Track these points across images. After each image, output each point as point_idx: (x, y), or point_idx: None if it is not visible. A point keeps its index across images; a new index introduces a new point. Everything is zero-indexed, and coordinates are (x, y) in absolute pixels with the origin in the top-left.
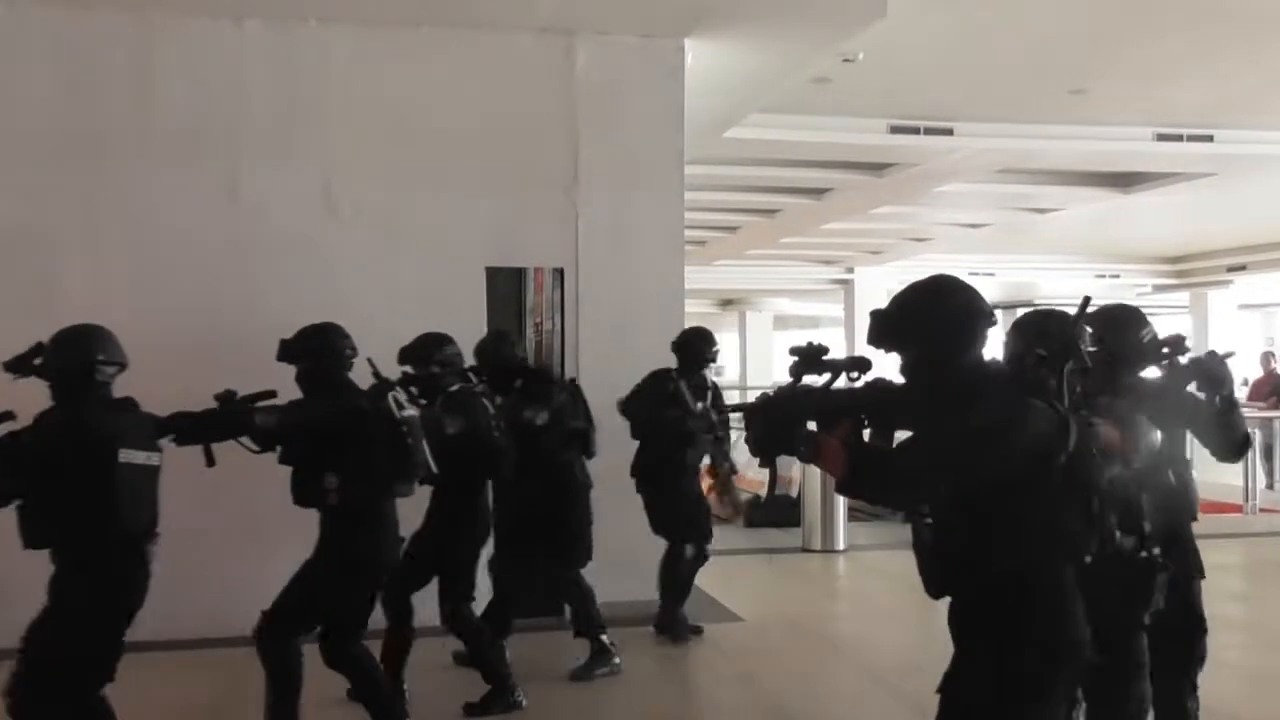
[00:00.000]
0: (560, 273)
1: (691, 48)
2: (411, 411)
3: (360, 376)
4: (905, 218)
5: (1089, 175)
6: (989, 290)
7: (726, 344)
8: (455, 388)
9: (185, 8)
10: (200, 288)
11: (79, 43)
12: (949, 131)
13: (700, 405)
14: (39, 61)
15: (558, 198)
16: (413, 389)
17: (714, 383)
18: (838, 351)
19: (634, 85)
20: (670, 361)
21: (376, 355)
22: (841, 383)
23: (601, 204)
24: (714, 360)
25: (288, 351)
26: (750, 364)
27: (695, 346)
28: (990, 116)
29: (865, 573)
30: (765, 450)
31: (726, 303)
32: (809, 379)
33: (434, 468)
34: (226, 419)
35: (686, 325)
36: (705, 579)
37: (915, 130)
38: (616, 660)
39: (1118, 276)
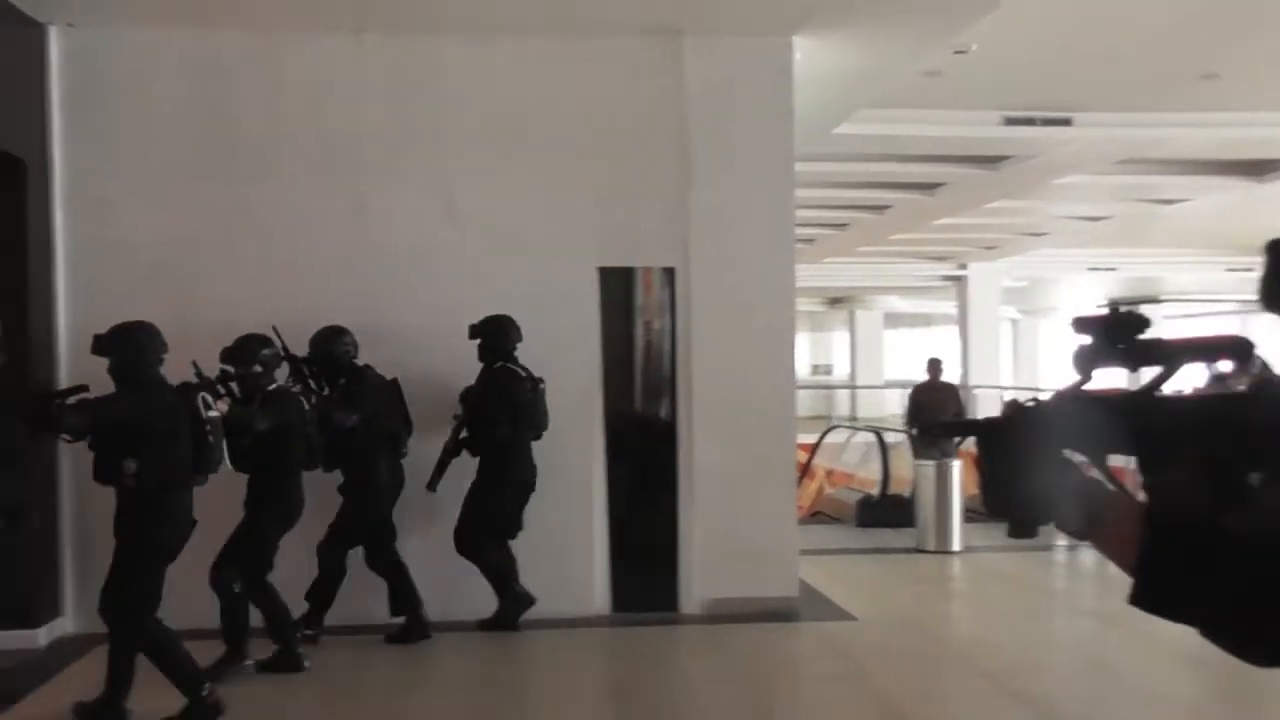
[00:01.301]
0: (670, 272)
1: (800, 45)
2: (215, 413)
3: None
4: (1020, 212)
5: (1219, 164)
6: (1110, 286)
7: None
8: (273, 386)
9: (307, 23)
10: (326, 294)
11: (212, 61)
12: (1067, 122)
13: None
14: (176, 80)
15: (668, 198)
16: (233, 385)
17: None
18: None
19: (743, 84)
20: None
21: None
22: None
23: (712, 203)
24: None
25: (100, 346)
26: (860, 363)
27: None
28: (1112, 105)
29: (981, 574)
30: (1013, 513)
31: (835, 301)
32: (1105, 376)
33: (230, 464)
34: (41, 417)
35: (798, 324)
36: (817, 577)
37: (1031, 121)
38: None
39: (1250, 270)
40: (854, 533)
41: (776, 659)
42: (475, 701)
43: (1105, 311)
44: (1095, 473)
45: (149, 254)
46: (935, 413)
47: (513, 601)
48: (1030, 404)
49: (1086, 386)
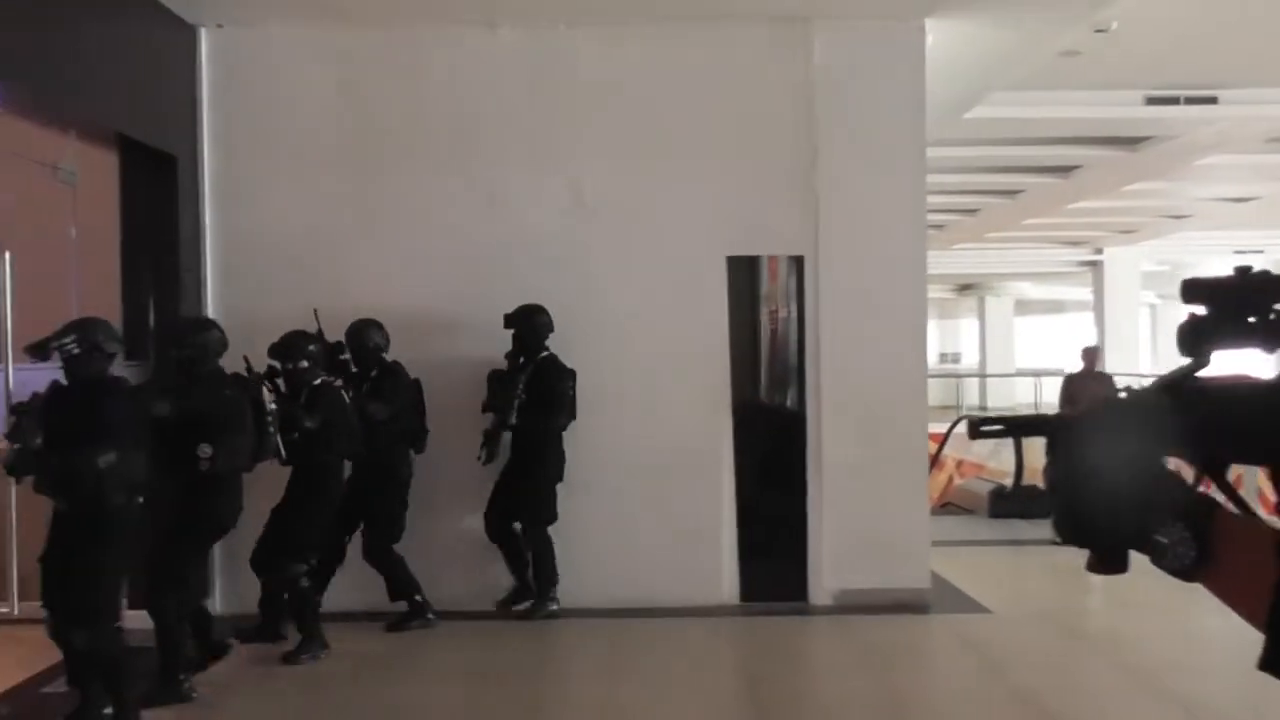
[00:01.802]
0: (798, 260)
1: (932, 27)
2: (273, 405)
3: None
4: (1161, 194)
5: None
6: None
7: (964, 330)
8: (317, 381)
9: (444, 17)
10: (465, 282)
11: (352, 57)
12: (1212, 100)
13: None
14: (318, 77)
15: (797, 185)
16: (279, 381)
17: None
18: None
19: (873, 69)
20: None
21: (624, 343)
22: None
23: (841, 190)
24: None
25: (176, 344)
26: (990, 351)
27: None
28: (1261, 81)
29: None
30: (1093, 540)
31: (964, 288)
32: (1228, 358)
33: (283, 453)
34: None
35: (930, 310)
36: (950, 570)
37: (1174, 100)
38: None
39: None
40: (986, 524)
41: (909, 650)
42: (602, 687)
43: (1231, 274)
44: (1211, 489)
45: (290, 244)
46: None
47: (522, 593)
48: (1120, 395)
49: (1202, 372)
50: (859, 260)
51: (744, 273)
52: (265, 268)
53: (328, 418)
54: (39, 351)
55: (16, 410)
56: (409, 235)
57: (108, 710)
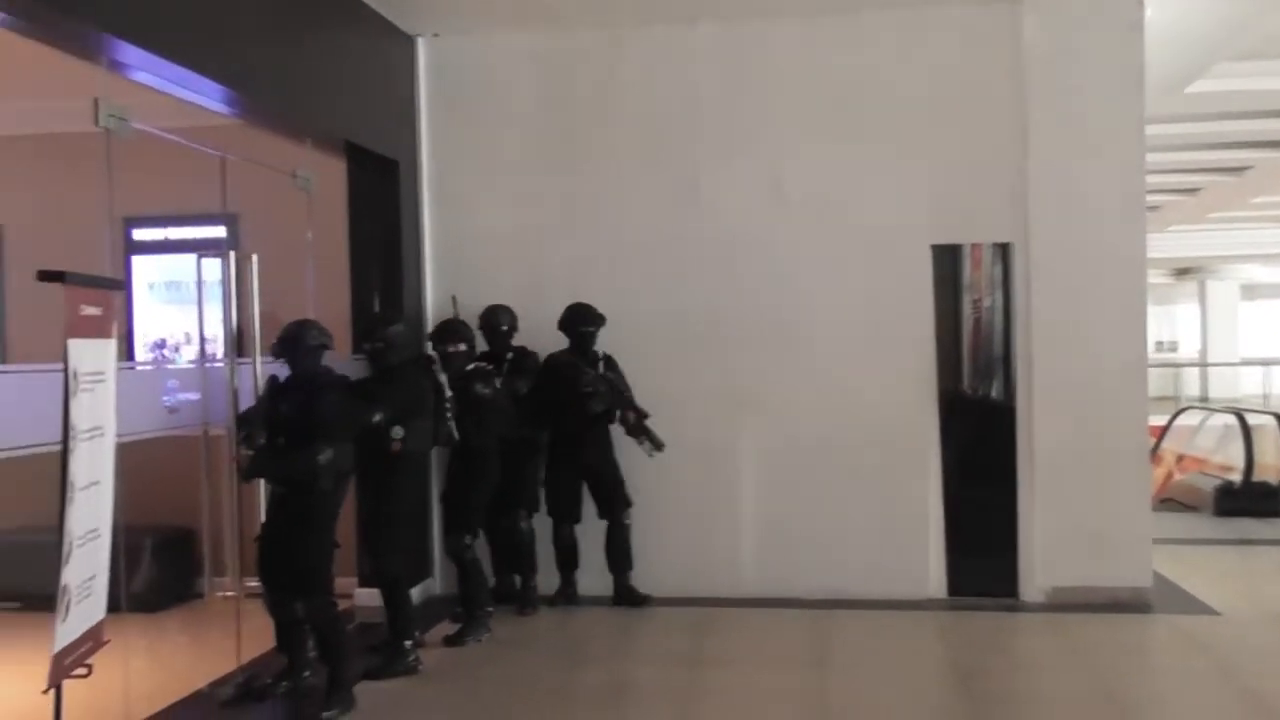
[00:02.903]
0: (1004, 247)
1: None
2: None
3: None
4: None
5: None
6: None
7: (1183, 317)
8: (471, 367)
9: (646, 16)
10: (663, 277)
11: (558, 59)
12: None
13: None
14: (527, 80)
15: (1006, 171)
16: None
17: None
18: None
19: (1086, 46)
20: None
21: (824, 334)
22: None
23: (1053, 174)
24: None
25: (367, 337)
26: (1212, 339)
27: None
28: None
29: None
30: None
31: (1182, 272)
32: None
33: (456, 436)
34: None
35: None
36: (1172, 569)
37: None
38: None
39: None
40: (1211, 522)
41: (1130, 651)
42: (810, 677)
43: None
44: None
45: (502, 242)
46: None
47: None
48: None
49: None
50: (1072, 246)
51: (948, 262)
52: (477, 264)
53: (489, 398)
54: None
55: (241, 421)
56: (610, 230)
57: (307, 674)
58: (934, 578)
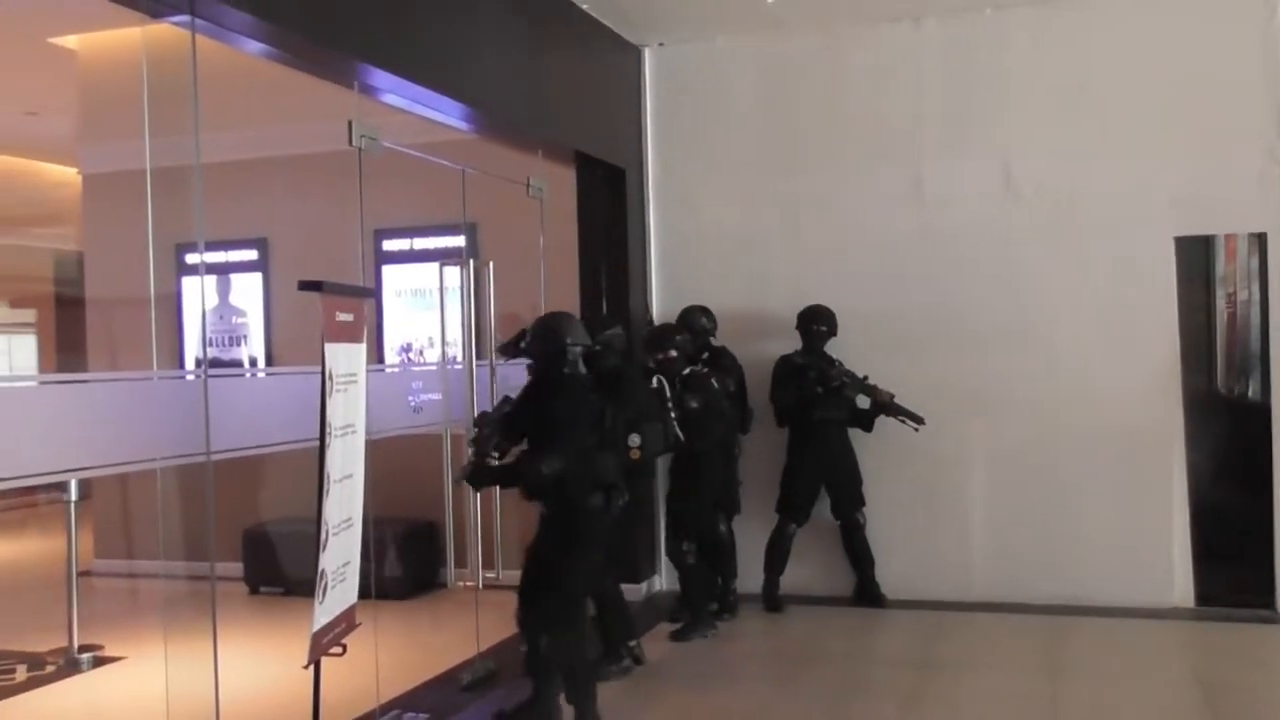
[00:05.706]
0: (1260, 237)
1: None
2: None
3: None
4: None
5: None
6: None
7: None
8: (687, 371)
9: (869, 17)
10: (889, 277)
11: (780, 63)
12: None
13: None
14: (749, 84)
15: (1257, 155)
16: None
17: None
18: None
19: None
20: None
21: (1059, 332)
22: None
23: None
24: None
25: (613, 347)
26: None
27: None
28: None
29: None
30: None
31: None
32: None
33: (682, 439)
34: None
35: None
36: None
37: None
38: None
39: None
40: None
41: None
42: (1044, 684)
43: None
44: None
45: (726, 244)
46: None
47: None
48: None
49: None
50: None
51: (1195, 253)
52: (702, 267)
53: (706, 403)
54: (505, 352)
55: (478, 422)
56: (834, 229)
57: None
58: (1180, 585)
